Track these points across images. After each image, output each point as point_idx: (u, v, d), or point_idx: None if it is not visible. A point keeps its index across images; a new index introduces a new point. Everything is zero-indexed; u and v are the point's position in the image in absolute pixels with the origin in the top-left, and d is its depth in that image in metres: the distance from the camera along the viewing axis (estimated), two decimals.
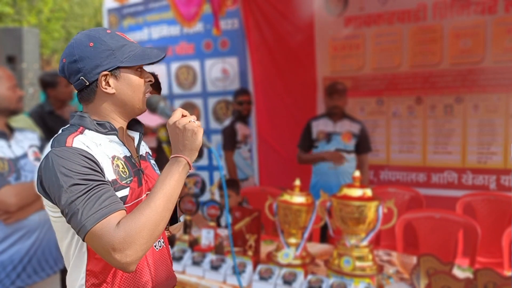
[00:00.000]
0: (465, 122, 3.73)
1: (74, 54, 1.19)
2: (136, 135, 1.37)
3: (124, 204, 1.16)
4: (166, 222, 1.11)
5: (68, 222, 1.08)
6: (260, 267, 2.18)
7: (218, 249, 2.44)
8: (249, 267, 2.21)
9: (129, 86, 1.22)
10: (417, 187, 3.77)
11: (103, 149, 1.18)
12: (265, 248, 2.54)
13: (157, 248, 1.30)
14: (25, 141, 2.20)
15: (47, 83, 3.34)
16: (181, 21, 3.79)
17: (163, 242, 1.34)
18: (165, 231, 1.40)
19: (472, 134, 3.71)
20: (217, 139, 4.85)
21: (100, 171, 1.12)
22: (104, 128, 1.22)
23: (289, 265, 2.22)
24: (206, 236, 2.57)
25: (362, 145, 3.54)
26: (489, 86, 3.60)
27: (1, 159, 2.03)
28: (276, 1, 4.24)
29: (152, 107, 1.26)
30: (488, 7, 3.52)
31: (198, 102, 5.03)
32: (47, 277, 2.20)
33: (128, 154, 1.26)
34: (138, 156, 1.32)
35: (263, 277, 2.11)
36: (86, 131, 1.20)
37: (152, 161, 1.40)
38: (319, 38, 4.21)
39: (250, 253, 2.34)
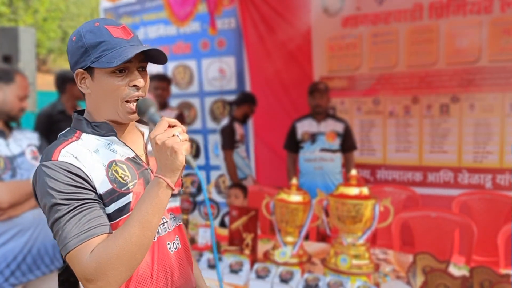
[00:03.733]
0: (461, 121, 3.75)
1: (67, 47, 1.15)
2: (146, 130, 1.27)
3: (129, 211, 1.08)
4: (146, 249, 1.02)
5: (55, 239, 1.04)
6: (257, 265, 2.18)
7: None
8: (246, 266, 2.21)
9: (101, 88, 1.10)
10: (414, 186, 3.79)
11: (99, 156, 1.09)
12: (262, 247, 2.54)
13: (172, 251, 1.18)
14: (24, 140, 2.22)
15: (68, 79, 3.37)
16: (174, 20, 3.78)
17: (178, 244, 1.21)
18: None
19: (468, 134, 3.73)
20: (213, 138, 4.85)
21: (87, 186, 1.04)
22: (102, 129, 1.13)
23: (286, 264, 2.22)
24: (203, 235, 2.57)
25: (347, 144, 3.59)
26: (485, 86, 3.62)
27: None
28: (273, 1, 4.25)
29: (141, 111, 1.11)
30: (484, 7, 3.54)
31: (195, 101, 5.02)
32: (43, 276, 2.20)
33: (132, 155, 1.15)
34: (146, 153, 1.22)
35: (260, 276, 2.11)
36: (83, 135, 1.13)
37: None
38: (316, 37, 4.22)
39: (247, 251, 2.34)
